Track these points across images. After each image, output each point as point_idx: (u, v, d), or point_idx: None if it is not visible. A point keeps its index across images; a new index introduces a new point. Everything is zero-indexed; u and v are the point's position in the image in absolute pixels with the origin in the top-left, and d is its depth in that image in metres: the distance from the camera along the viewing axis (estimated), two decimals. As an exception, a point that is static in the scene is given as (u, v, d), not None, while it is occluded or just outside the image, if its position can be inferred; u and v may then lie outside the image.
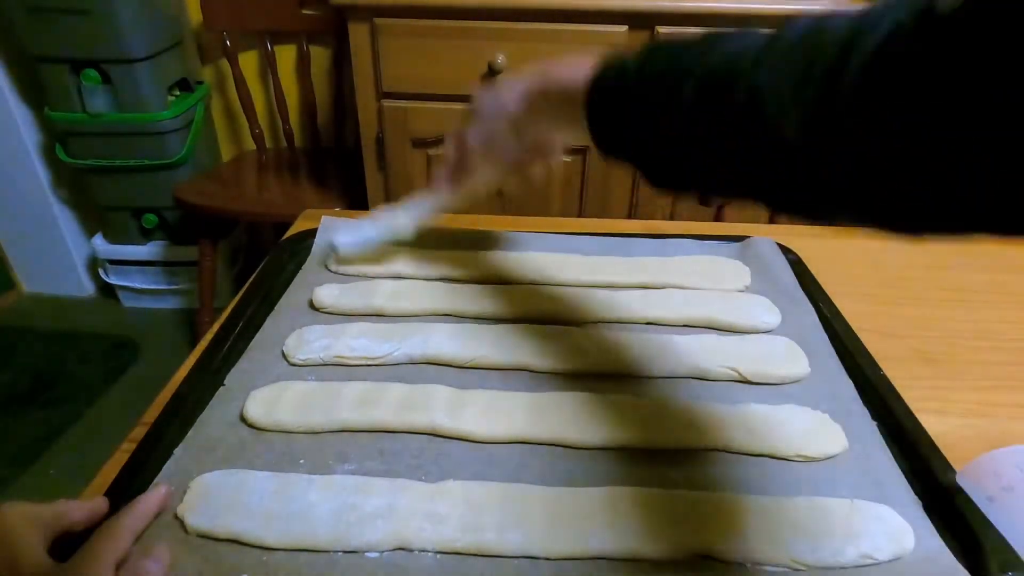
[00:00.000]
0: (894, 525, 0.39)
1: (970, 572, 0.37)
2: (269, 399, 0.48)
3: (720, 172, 0.35)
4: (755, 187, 0.34)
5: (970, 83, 0.22)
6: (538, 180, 0.58)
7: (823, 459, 0.44)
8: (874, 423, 0.47)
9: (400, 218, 0.61)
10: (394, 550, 0.38)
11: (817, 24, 0.29)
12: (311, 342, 0.54)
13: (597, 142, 0.41)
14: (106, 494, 0.41)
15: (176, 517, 0.39)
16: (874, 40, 0.25)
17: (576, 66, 0.42)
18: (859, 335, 0.56)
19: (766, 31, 0.32)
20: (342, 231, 0.64)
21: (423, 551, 0.38)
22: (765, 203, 0.34)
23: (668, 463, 0.44)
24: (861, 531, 0.39)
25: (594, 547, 0.38)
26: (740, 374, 0.51)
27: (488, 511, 0.40)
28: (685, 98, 0.33)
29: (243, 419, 0.47)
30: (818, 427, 0.46)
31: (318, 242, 0.69)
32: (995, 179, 0.23)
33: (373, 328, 0.56)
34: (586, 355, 0.53)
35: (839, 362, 0.53)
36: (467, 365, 0.53)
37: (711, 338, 0.56)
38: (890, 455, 0.45)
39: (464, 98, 1.44)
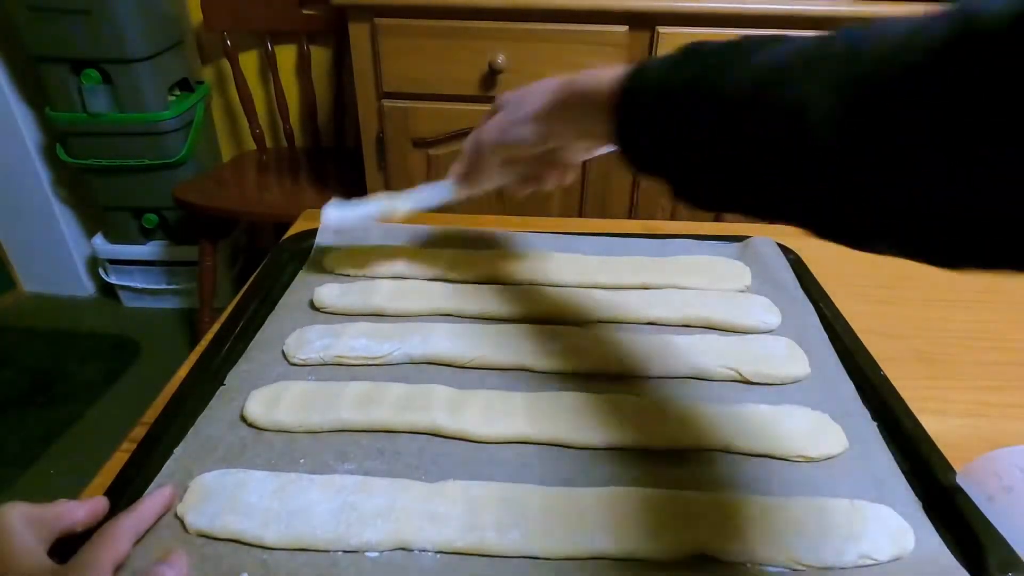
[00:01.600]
0: (894, 525, 0.39)
1: (970, 572, 0.37)
2: (269, 399, 0.48)
3: (757, 190, 0.32)
4: (795, 206, 0.31)
5: (1010, 102, 0.21)
6: (548, 191, 0.56)
7: (823, 459, 0.44)
8: (874, 423, 0.47)
9: (399, 201, 0.59)
10: (394, 550, 0.38)
11: (865, 32, 0.27)
12: (311, 342, 0.54)
13: (625, 154, 0.39)
14: (106, 494, 0.41)
15: (176, 516, 0.39)
16: (916, 52, 0.24)
17: (606, 72, 0.40)
18: (859, 335, 0.56)
19: (805, 36, 0.30)
20: (334, 206, 0.61)
21: (423, 551, 0.38)
22: (805, 225, 0.31)
23: (668, 463, 0.44)
24: (861, 531, 0.39)
25: (594, 547, 0.38)
26: (740, 374, 0.52)
27: (488, 511, 0.40)
28: (721, 106, 0.31)
29: (243, 419, 0.47)
30: (818, 427, 0.46)
31: (318, 240, 0.69)
32: None
33: (373, 328, 0.56)
34: (586, 355, 0.53)
35: (839, 362, 0.53)
36: (467, 365, 0.53)
37: (711, 338, 0.56)
38: (890, 455, 0.45)
39: (464, 98, 1.43)
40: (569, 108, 0.45)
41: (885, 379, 0.51)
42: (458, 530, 0.38)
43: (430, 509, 0.40)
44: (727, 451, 0.45)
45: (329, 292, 0.60)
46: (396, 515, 0.39)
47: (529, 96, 0.48)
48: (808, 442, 0.45)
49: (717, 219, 0.93)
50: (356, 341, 0.54)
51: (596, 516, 0.39)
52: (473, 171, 0.54)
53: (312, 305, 0.59)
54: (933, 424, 0.46)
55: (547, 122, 0.47)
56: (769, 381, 0.51)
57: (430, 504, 0.40)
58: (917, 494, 0.42)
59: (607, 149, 0.44)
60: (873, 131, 0.26)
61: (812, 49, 0.29)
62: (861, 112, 0.26)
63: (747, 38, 0.33)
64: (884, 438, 0.46)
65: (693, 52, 0.35)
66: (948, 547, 0.38)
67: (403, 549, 0.38)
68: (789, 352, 0.54)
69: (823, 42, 0.29)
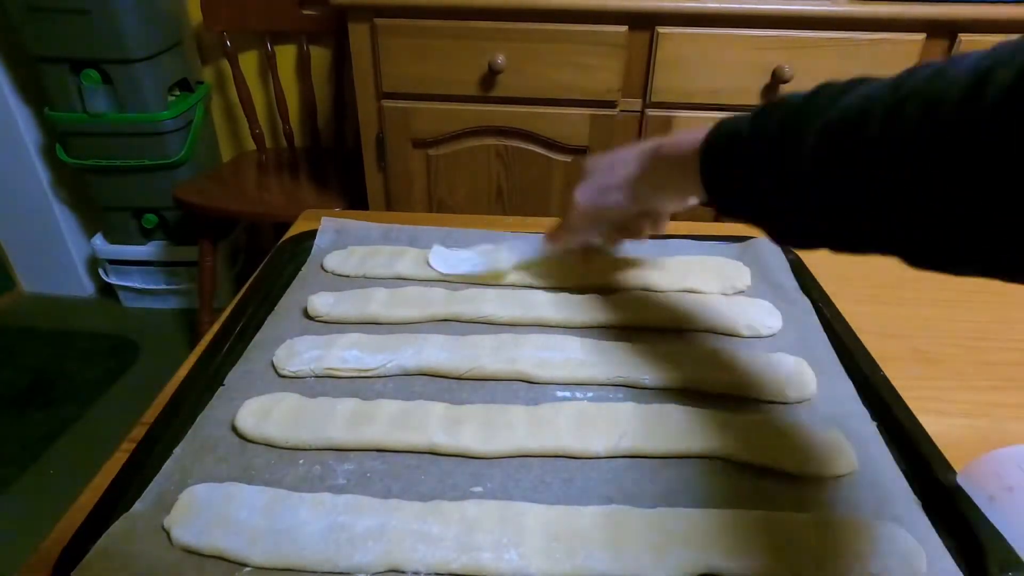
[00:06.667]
0: (906, 546, 0.38)
1: (970, 573, 0.37)
2: (259, 411, 0.47)
3: (846, 222, 0.34)
4: (885, 235, 0.33)
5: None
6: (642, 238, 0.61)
7: (831, 477, 0.43)
8: (874, 423, 0.47)
9: (502, 255, 0.64)
10: (385, 572, 0.37)
11: (942, 66, 0.29)
12: (300, 353, 0.52)
13: (716, 204, 0.43)
14: (106, 493, 0.41)
15: (163, 529, 0.39)
16: (1007, 75, 0.25)
17: (689, 135, 0.44)
18: (859, 335, 0.56)
19: (882, 78, 0.32)
20: (439, 255, 0.66)
21: (416, 574, 0.37)
22: (896, 252, 0.33)
23: (672, 473, 0.44)
24: (871, 551, 0.38)
25: (593, 567, 0.37)
26: (741, 390, 0.50)
27: (484, 531, 0.38)
28: (807, 147, 0.34)
29: (234, 429, 0.46)
30: (829, 444, 0.45)
31: (318, 241, 0.69)
32: None
33: (365, 339, 0.54)
34: (584, 365, 0.52)
35: (839, 363, 0.53)
36: (462, 377, 0.52)
37: (715, 350, 0.54)
38: (900, 472, 0.43)
39: (464, 98, 1.43)
40: (658, 171, 0.50)
41: (885, 379, 0.51)
42: (453, 551, 0.37)
43: (423, 529, 0.38)
44: (731, 460, 0.44)
45: (323, 301, 0.58)
46: (388, 536, 0.38)
47: (618, 163, 0.53)
48: (815, 460, 0.44)
49: (717, 219, 0.93)
50: (347, 352, 0.52)
51: (596, 535, 0.38)
52: (567, 230, 0.60)
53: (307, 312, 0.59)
54: (933, 424, 0.46)
55: (638, 186, 0.52)
56: (771, 399, 0.50)
57: (423, 524, 0.39)
58: (917, 494, 0.42)
59: (695, 201, 0.48)
60: (973, 153, 0.26)
61: (893, 85, 0.31)
62: (958, 134, 0.27)
63: (824, 84, 0.36)
64: (884, 439, 0.46)
65: (773, 104, 0.38)
66: (948, 547, 0.38)
67: (395, 571, 0.37)
68: (797, 372, 0.51)
69: (901, 80, 0.31)
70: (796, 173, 0.35)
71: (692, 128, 0.44)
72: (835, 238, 0.36)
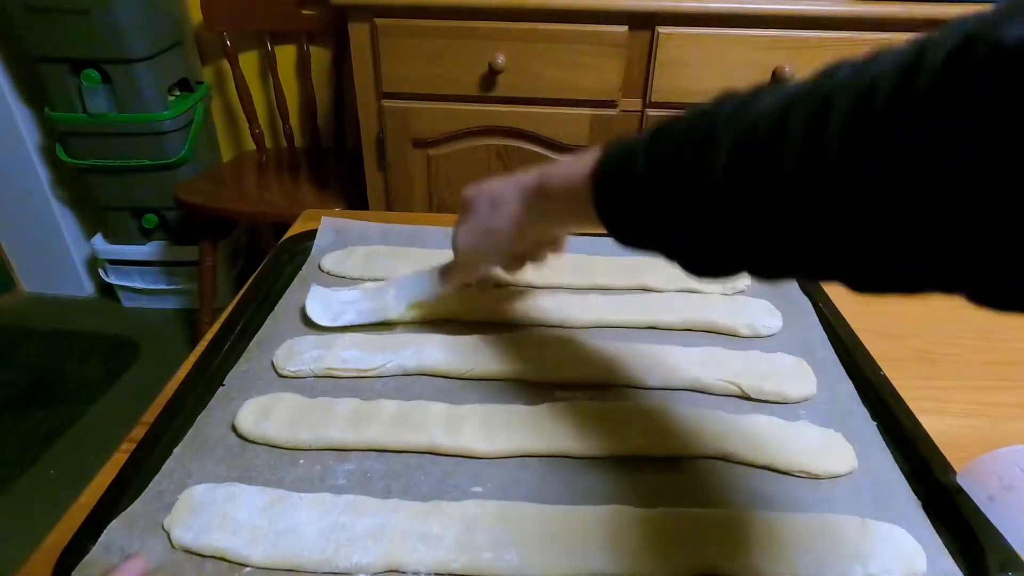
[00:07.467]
0: (906, 546, 0.38)
1: (970, 573, 0.37)
2: (259, 411, 0.47)
3: (768, 247, 0.30)
4: (814, 256, 0.29)
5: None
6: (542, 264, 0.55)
7: (828, 477, 0.43)
8: (874, 423, 0.47)
9: (390, 297, 0.57)
10: (385, 572, 0.37)
11: (863, 65, 0.26)
12: (301, 353, 0.52)
13: (617, 237, 0.38)
14: (106, 493, 0.41)
15: (163, 529, 0.39)
16: (937, 59, 0.22)
17: (573, 165, 0.40)
18: (859, 335, 0.56)
19: (792, 84, 0.29)
20: (319, 297, 0.58)
21: (416, 574, 0.37)
22: (839, 278, 0.30)
23: (672, 473, 0.44)
24: (870, 551, 0.38)
25: (594, 567, 0.37)
26: (741, 390, 0.50)
27: (484, 531, 0.39)
28: (718, 169, 0.29)
29: (234, 429, 0.46)
30: (828, 444, 0.45)
31: (318, 242, 0.69)
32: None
33: (365, 339, 0.54)
34: (585, 365, 0.52)
35: (839, 363, 0.53)
36: (463, 377, 0.52)
37: (715, 351, 0.54)
38: (900, 472, 0.44)
39: (464, 98, 1.42)
40: (544, 208, 0.44)
41: (885, 379, 0.51)
42: (453, 551, 0.37)
43: (423, 529, 0.38)
44: (731, 460, 0.44)
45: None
46: (388, 536, 0.38)
47: (500, 202, 0.47)
48: (814, 459, 0.44)
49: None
50: (347, 352, 0.52)
51: (597, 535, 0.38)
52: (457, 270, 0.55)
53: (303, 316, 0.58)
54: (933, 424, 0.46)
55: (524, 224, 0.46)
56: (771, 399, 0.50)
57: (423, 524, 0.39)
58: (917, 494, 0.42)
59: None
60: (900, 158, 0.24)
61: (810, 88, 0.28)
62: (885, 135, 0.24)
63: (727, 97, 0.32)
64: (884, 439, 0.46)
65: (667, 125, 0.34)
66: (948, 547, 0.38)
67: (395, 572, 0.37)
68: (797, 370, 0.52)
69: (819, 82, 0.27)
70: (708, 199, 0.30)
71: (580, 154, 0.39)
72: (757, 267, 0.32)
